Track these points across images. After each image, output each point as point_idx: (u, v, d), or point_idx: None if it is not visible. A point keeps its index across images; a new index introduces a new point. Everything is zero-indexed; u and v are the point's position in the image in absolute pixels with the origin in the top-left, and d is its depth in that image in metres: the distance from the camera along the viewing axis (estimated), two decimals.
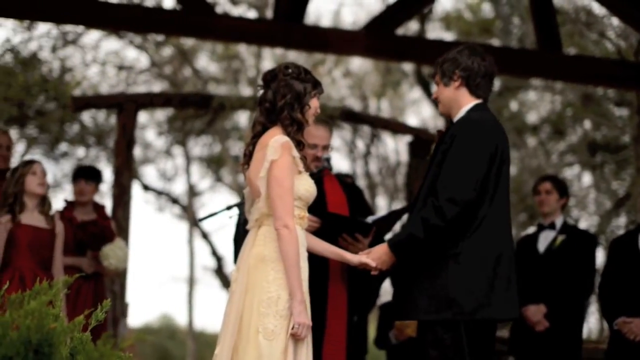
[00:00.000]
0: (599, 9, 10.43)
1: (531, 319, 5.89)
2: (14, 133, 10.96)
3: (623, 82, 8.33)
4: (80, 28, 11.38)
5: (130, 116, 8.40)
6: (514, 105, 13.70)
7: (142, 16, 7.84)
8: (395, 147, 16.25)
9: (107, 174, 11.07)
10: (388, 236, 4.74)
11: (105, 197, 11.71)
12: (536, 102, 13.45)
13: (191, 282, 17.59)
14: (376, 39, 7.62)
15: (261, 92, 3.97)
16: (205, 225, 16.97)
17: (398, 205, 15.14)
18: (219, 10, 11.65)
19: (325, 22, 15.23)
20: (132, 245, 7.93)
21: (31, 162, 5.62)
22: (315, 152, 4.70)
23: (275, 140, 3.81)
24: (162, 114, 14.59)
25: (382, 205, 16.35)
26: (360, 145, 16.39)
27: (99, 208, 6.42)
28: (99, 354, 2.84)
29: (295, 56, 12.87)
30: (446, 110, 4.14)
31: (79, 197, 6.37)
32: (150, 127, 15.11)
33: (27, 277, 5.34)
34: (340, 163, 16.04)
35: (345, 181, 5.12)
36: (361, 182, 15.63)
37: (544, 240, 6.09)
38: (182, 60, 14.17)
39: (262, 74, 4.06)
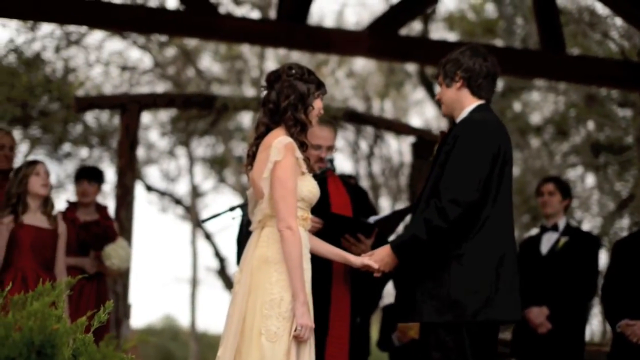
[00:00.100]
0: (602, 9, 10.42)
1: (534, 321, 5.88)
2: (17, 133, 10.97)
3: (626, 83, 8.31)
4: (83, 28, 11.39)
5: (134, 117, 8.41)
6: (517, 106, 13.67)
7: (146, 17, 7.85)
8: (399, 148, 16.26)
9: (110, 174, 11.12)
10: (391, 238, 4.73)
11: (108, 198, 11.77)
12: (539, 102, 13.42)
13: (194, 283, 17.57)
14: (379, 40, 7.62)
15: (264, 92, 3.96)
16: (209, 226, 16.96)
17: (401, 206, 15.11)
18: (222, 10, 11.65)
19: (329, 22, 15.21)
20: (135, 246, 7.93)
21: (34, 163, 5.61)
22: (320, 152, 4.68)
23: (279, 141, 3.79)
24: (165, 114, 14.59)
25: (385, 206, 16.32)
26: (364, 146, 16.37)
27: (102, 209, 6.43)
28: (101, 356, 2.84)
29: (298, 57, 12.87)
30: (449, 111, 4.13)
31: (81, 197, 6.38)
32: (153, 127, 15.13)
33: (30, 278, 5.34)
34: (343, 164, 16.03)
35: (349, 182, 5.11)
36: (364, 183, 15.60)
37: (547, 242, 6.09)
38: (185, 60, 14.17)
39: (265, 74, 4.05)
